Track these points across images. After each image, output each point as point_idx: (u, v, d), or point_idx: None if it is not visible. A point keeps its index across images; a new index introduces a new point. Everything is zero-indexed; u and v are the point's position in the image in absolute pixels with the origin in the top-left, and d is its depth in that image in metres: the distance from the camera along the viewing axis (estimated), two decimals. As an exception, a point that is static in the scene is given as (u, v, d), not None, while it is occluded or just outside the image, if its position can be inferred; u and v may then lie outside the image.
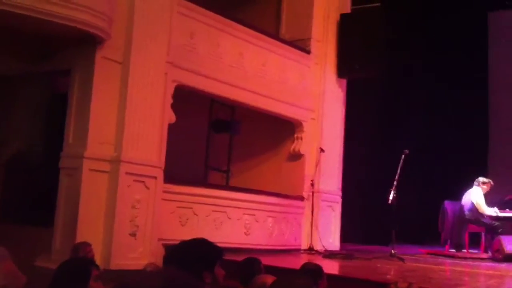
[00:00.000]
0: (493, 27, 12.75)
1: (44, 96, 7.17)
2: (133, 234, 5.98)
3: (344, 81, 9.12)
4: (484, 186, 8.75)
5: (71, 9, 5.37)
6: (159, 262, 5.00)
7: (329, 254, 7.55)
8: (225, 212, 7.22)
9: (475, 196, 8.65)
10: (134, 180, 6.01)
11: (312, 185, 8.38)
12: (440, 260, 7.95)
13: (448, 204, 8.99)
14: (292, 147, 8.58)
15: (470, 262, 7.68)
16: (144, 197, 6.10)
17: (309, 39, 8.67)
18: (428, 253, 8.63)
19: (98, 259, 4.68)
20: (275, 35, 8.43)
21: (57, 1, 5.28)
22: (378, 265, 6.55)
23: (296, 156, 8.57)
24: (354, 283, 5.05)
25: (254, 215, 7.63)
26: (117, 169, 5.89)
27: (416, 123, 10.67)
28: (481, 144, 12.24)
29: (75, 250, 4.61)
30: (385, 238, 7.88)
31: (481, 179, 8.81)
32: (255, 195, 7.74)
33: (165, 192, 6.38)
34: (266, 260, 4.49)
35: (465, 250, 8.71)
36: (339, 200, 8.92)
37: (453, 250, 8.87)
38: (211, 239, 2.81)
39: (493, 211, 8.57)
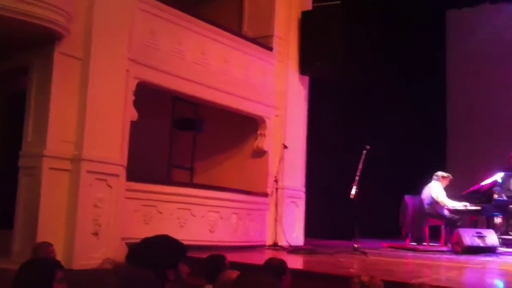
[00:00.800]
0: (451, 25, 13.07)
1: (2, 95, 6.99)
2: (96, 234, 5.89)
3: (306, 78, 9.19)
4: (443, 181, 8.97)
5: (27, 3, 5.25)
6: (122, 261, 4.94)
7: (293, 250, 7.61)
8: (189, 209, 7.19)
9: (435, 190, 8.87)
10: (96, 179, 5.92)
11: (276, 181, 8.43)
12: (401, 253, 8.11)
13: (408, 199, 9.18)
14: (256, 144, 8.60)
15: (431, 255, 7.86)
16: (107, 196, 6.01)
17: (271, 36, 8.70)
18: (390, 247, 8.79)
19: (59, 260, 4.59)
20: (237, 32, 8.43)
21: (12, -4, 5.15)
22: (342, 260, 6.64)
23: (260, 153, 8.60)
24: (318, 278, 5.10)
25: (219, 212, 7.63)
26: (78, 168, 5.79)
27: (377, 120, 10.84)
28: (440, 140, 12.55)
29: (36, 251, 4.50)
30: (348, 232, 7.99)
31: (440, 173, 9.03)
32: (219, 192, 7.73)
33: (128, 190, 6.31)
34: (231, 257, 4.49)
35: (425, 243, 8.90)
36: (303, 196, 8.99)
37: (414, 243, 9.07)
38: (175, 237, 2.80)
39: (453, 204, 8.79)
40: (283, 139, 8.67)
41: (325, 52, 8.65)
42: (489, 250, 8.01)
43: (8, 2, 5.15)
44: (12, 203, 5.77)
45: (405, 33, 11.52)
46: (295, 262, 6.26)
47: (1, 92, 6.99)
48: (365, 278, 3.17)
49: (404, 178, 10.40)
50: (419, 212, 9.01)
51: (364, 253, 7.16)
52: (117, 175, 6.14)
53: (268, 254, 7.08)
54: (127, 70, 6.34)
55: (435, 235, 9.09)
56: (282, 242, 8.20)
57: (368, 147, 7.71)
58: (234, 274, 3.06)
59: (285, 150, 8.56)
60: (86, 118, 5.87)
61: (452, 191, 9.32)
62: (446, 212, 8.81)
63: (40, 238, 5.27)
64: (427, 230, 8.92)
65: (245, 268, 4.39)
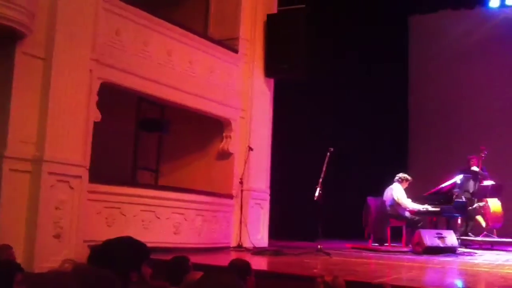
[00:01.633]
0: (413, 30, 13.35)
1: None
2: (57, 236, 5.80)
3: (272, 81, 9.25)
4: (403, 183, 9.16)
5: (-13, 2, 5.14)
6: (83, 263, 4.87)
7: (258, 251, 7.64)
8: (153, 211, 7.14)
9: (396, 192, 9.05)
10: (58, 180, 5.82)
11: (241, 183, 8.45)
12: (364, 253, 8.24)
13: (371, 200, 9.34)
14: (221, 146, 8.61)
15: (392, 255, 8.01)
16: (69, 198, 5.92)
17: (237, 38, 8.73)
18: (353, 248, 8.92)
19: (20, 263, 4.50)
20: (203, 34, 8.43)
21: (-28, -6, 5.03)
22: (306, 260, 6.70)
23: (225, 155, 8.61)
24: (282, 278, 5.14)
25: (183, 214, 7.60)
26: (39, 169, 5.68)
27: (340, 123, 10.99)
28: (401, 143, 12.80)
29: (-5, 254, 4.40)
30: (312, 234, 8.08)
31: (401, 175, 9.22)
32: (184, 194, 7.71)
33: (90, 192, 6.22)
34: (195, 259, 4.49)
35: (387, 244, 9.06)
36: (268, 197, 9.03)
37: (376, 244, 9.23)
38: (139, 239, 2.78)
39: (413, 206, 8.98)
40: (249, 141, 8.70)
41: (290, 55, 8.73)
42: (449, 251, 8.21)
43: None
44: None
45: (368, 36, 11.70)
46: (259, 263, 6.29)
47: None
48: (328, 278, 3.22)
49: (367, 180, 10.57)
50: (381, 214, 9.17)
51: (328, 254, 7.24)
52: (79, 177, 6.05)
53: (233, 256, 7.09)
54: (91, 70, 6.26)
55: (396, 236, 9.26)
56: (247, 244, 8.22)
57: (331, 149, 7.81)
58: (198, 275, 3.06)
59: (250, 152, 8.59)
60: (48, 119, 5.77)
61: (414, 193, 9.52)
62: (407, 213, 8.99)
63: (0, 241, 5.16)
64: (389, 231, 9.08)
65: (209, 270, 4.39)
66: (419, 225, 8.83)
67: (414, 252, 8.16)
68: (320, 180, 7.65)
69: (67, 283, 1.51)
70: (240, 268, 3.70)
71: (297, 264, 6.36)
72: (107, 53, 6.52)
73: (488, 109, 12.07)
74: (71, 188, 5.96)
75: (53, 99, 5.81)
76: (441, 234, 8.38)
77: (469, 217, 10.18)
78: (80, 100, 6.12)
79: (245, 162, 8.55)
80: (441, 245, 8.21)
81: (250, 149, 8.59)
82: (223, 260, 5.67)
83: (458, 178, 9.39)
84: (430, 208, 8.94)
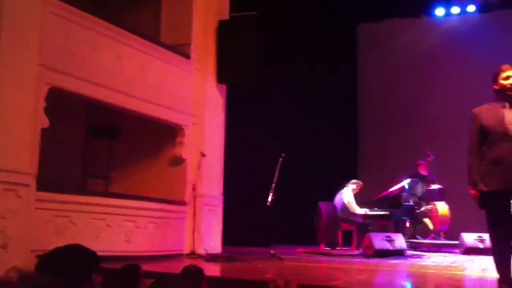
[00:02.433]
0: (362, 38, 13.64)
1: None
2: (4, 246, 5.61)
3: (224, 87, 9.26)
4: (354, 187, 9.36)
5: None
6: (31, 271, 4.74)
7: (211, 257, 7.61)
8: (104, 219, 7.00)
9: (346, 196, 9.23)
10: (4, 189, 5.63)
11: (194, 189, 8.41)
12: (316, 258, 8.34)
13: (322, 205, 9.48)
14: (174, 152, 8.54)
15: (344, 259, 8.14)
16: (16, 207, 5.74)
17: (189, 44, 8.70)
18: (305, 252, 9.02)
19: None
20: (155, 40, 8.35)
21: None
22: (259, 266, 6.73)
23: (178, 161, 8.55)
24: (235, 284, 5.14)
25: (135, 221, 7.48)
26: (-16, 178, 5.50)
27: (292, 129, 11.11)
28: (352, 149, 13.04)
29: None
30: (265, 239, 8.12)
31: (353, 180, 9.42)
32: (135, 201, 7.60)
33: (38, 200, 6.06)
34: (147, 267, 4.44)
35: (338, 248, 9.22)
36: (221, 203, 9.02)
37: (328, 248, 9.37)
38: (90, 248, 2.74)
39: (363, 211, 9.17)
40: (201, 147, 8.67)
41: (242, 61, 8.78)
42: (398, 253, 8.42)
43: None
44: None
45: (319, 44, 11.89)
46: (212, 270, 6.28)
47: None
48: (280, 283, 3.26)
49: (319, 185, 10.71)
50: (333, 218, 9.33)
51: (281, 259, 7.30)
52: (26, 185, 5.88)
53: (186, 263, 7.02)
54: (38, 75, 6.10)
55: (348, 240, 9.42)
56: (200, 250, 8.18)
57: (284, 155, 7.89)
58: (150, 283, 3.04)
59: (203, 158, 8.57)
60: (-7, 125, 5.59)
61: (363, 197, 9.72)
62: (357, 218, 9.17)
63: None
64: (340, 235, 9.24)
65: (162, 277, 4.36)
66: (369, 228, 9.03)
67: (365, 255, 8.32)
68: (273, 185, 7.71)
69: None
70: (193, 274, 3.69)
71: (250, 270, 6.38)
72: (55, 58, 6.38)
73: (435, 116, 12.44)
74: (19, 197, 5.78)
75: (-2, 105, 5.64)
76: (390, 237, 8.58)
77: (417, 220, 10.48)
78: (26, 105, 5.95)
79: (198, 168, 8.52)
80: (391, 248, 8.40)
81: (203, 155, 8.56)
82: (175, 268, 5.63)
83: (406, 182, 9.66)
84: (379, 211, 9.14)
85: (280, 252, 7.70)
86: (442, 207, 10.39)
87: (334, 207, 9.35)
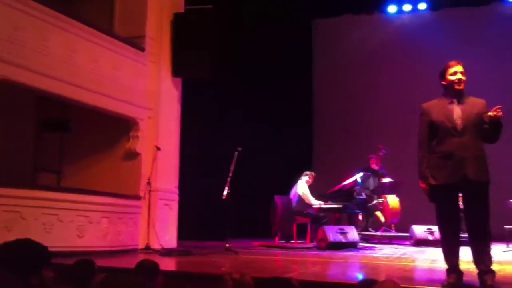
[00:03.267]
0: (317, 33, 13.79)
1: None
2: (-50, 243, 5.43)
3: (179, 80, 9.20)
4: (307, 178, 9.48)
5: None
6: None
7: (166, 252, 7.58)
8: (56, 214, 6.86)
9: (300, 188, 9.35)
10: (-50, 184, 5.46)
11: (149, 183, 8.34)
12: (271, 251, 8.41)
13: (278, 199, 9.57)
14: (128, 146, 8.44)
15: (298, 252, 8.25)
16: (-38, 202, 5.57)
17: (143, 36, 8.59)
18: (261, 245, 9.08)
19: None
20: (108, 31, 8.21)
21: None
22: (214, 259, 6.74)
23: (132, 155, 8.45)
24: (191, 278, 5.14)
25: (88, 216, 7.36)
26: None
27: (248, 123, 11.13)
28: (306, 143, 13.20)
29: None
30: (221, 233, 8.14)
31: (306, 172, 9.54)
32: (88, 196, 7.47)
33: (-13, 196, 5.89)
34: (101, 262, 4.39)
35: (293, 241, 9.32)
36: (176, 198, 8.98)
37: (283, 241, 9.47)
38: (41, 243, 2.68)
39: (317, 203, 9.31)
40: (156, 141, 8.60)
41: (197, 55, 8.74)
42: (351, 245, 8.60)
43: None
44: None
45: (274, 38, 11.95)
46: (168, 264, 6.25)
47: None
48: (236, 276, 3.27)
49: (274, 179, 10.80)
50: (288, 211, 9.42)
51: (236, 252, 7.33)
52: (-26, 180, 5.71)
53: (140, 258, 6.98)
54: (-13, 67, 5.92)
55: (303, 233, 9.55)
56: (155, 245, 8.12)
57: (239, 148, 7.92)
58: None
59: (158, 152, 8.50)
60: None
61: (318, 190, 9.86)
62: (311, 210, 9.30)
63: None
64: (294, 228, 9.35)
65: (116, 272, 4.31)
66: (323, 221, 9.17)
67: (319, 248, 8.45)
68: (229, 179, 7.73)
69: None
70: (148, 269, 3.67)
71: (205, 264, 6.39)
72: (4, 49, 6.19)
73: (387, 111, 12.73)
74: (-35, 192, 5.61)
75: None
76: (344, 230, 8.75)
77: (369, 213, 10.72)
78: (-26, 98, 5.77)
79: (153, 162, 8.44)
80: (344, 240, 8.57)
81: (158, 149, 8.49)
82: (130, 262, 5.57)
83: (358, 176, 9.85)
84: (332, 204, 9.30)
85: (236, 246, 7.73)
86: (393, 200, 10.66)
87: (289, 200, 9.46)
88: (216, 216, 8.64)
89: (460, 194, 4.67)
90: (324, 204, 9.29)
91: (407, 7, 13.01)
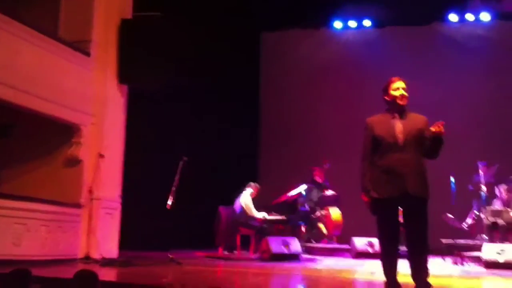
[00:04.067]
0: (265, 46, 13.93)
1: None
2: None
3: (125, 87, 9.06)
4: (252, 190, 9.52)
5: None
6: None
7: (106, 262, 7.42)
8: (-9, 222, 6.61)
9: (243, 199, 9.38)
10: None
11: (91, 191, 8.15)
12: (214, 262, 8.39)
13: (222, 209, 9.56)
14: (70, 153, 8.22)
15: (241, 263, 8.26)
16: None
17: (89, 41, 8.42)
18: (204, 256, 9.03)
19: None
20: (52, 35, 8.00)
21: None
22: (156, 270, 6.66)
23: (74, 162, 8.24)
24: (131, 289, 5.07)
25: (26, 224, 7.11)
26: None
27: (194, 132, 11.08)
28: (253, 155, 13.26)
29: None
30: (164, 243, 8.04)
31: (250, 183, 9.58)
32: (27, 203, 7.22)
33: None
34: (38, 271, 4.26)
35: (236, 252, 9.32)
36: (119, 207, 8.80)
37: (226, 252, 9.45)
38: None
39: (261, 215, 9.36)
40: (99, 148, 8.43)
41: (144, 62, 8.62)
42: (293, 257, 8.69)
43: None
44: None
45: (223, 50, 11.97)
46: (107, 274, 6.13)
47: None
48: (177, 287, 3.26)
49: (219, 189, 10.77)
50: (232, 222, 9.43)
51: (179, 263, 7.26)
52: None
53: (79, 267, 6.80)
54: None
55: (246, 244, 9.57)
56: (95, 255, 7.94)
57: (185, 158, 7.88)
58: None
59: (101, 159, 8.33)
60: None
61: (263, 202, 9.92)
62: (255, 222, 9.34)
63: None
64: (238, 239, 9.36)
65: (52, 282, 4.19)
66: (267, 233, 9.22)
67: (262, 259, 8.49)
68: (173, 189, 7.66)
69: None
70: (86, 279, 3.59)
71: (147, 274, 6.30)
72: None
73: (332, 124, 12.95)
74: None
75: None
76: (287, 241, 8.83)
77: (312, 225, 10.87)
78: None
79: (96, 170, 8.26)
80: (286, 252, 8.64)
81: (101, 156, 8.32)
82: (67, 272, 5.43)
83: (302, 188, 9.98)
84: (276, 216, 9.37)
85: (179, 256, 7.66)
86: (335, 213, 10.85)
87: (234, 211, 9.46)
88: (160, 226, 8.53)
89: (400, 208, 4.81)
90: (268, 216, 9.35)
91: (352, 24, 13.33)
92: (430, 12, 12.41)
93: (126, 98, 9.07)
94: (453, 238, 9.18)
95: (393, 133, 4.71)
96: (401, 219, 4.85)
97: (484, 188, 10.14)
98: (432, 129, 4.57)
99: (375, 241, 9.43)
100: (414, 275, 4.71)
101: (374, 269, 7.37)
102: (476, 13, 12.41)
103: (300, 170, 11.62)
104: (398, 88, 4.84)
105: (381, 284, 4.93)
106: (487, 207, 9.46)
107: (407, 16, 12.31)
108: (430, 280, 4.69)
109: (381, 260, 4.87)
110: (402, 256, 4.72)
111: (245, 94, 12.87)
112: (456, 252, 9.05)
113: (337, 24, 13.41)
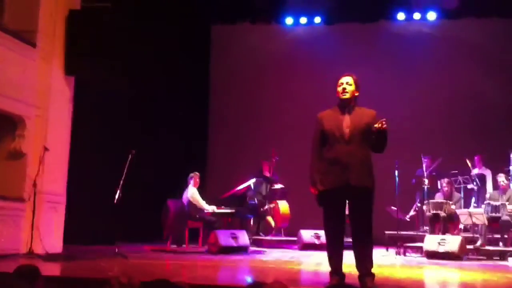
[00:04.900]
0: (215, 39, 13.90)
1: None
2: None
3: (72, 79, 8.86)
4: (192, 181, 9.50)
5: None
6: None
7: (50, 257, 7.27)
8: None
9: (189, 191, 9.37)
10: None
11: (35, 185, 7.94)
12: (162, 255, 8.35)
13: (170, 202, 9.51)
14: (13, 146, 7.99)
15: (189, 256, 8.27)
16: None
17: (35, 31, 8.19)
18: (152, 250, 8.97)
19: None
20: (-4, 24, 7.75)
21: None
22: (101, 264, 6.57)
23: (17, 155, 8.01)
24: (75, 283, 4.98)
25: (-35, 218, 6.89)
26: None
27: (142, 125, 10.96)
28: (201, 148, 13.24)
29: None
30: (111, 237, 7.94)
31: (189, 175, 9.55)
32: (-34, 197, 6.99)
33: None
34: (-24, 266, 4.13)
35: (185, 245, 9.31)
36: (64, 201, 8.63)
37: (175, 246, 9.42)
38: None
39: (210, 208, 9.36)
40: (44, 141, 8.22)
41: (92, 54, 8.46)
42: (242, 250, 8.76)
43: None
44: None
45: (173, 41, 11.87)
46: (51, 269, 6.02)
47: None
48: (123, 280, 3.23)
49: (167, 182, 10.71)
50: (180, 215, 9.40)
51: (125, 257, 7.20)
52: None
53: (21, 262, 6.63)
54: None
55: (195, 237, 9.56)
56: (39, 250, 7.75)
57: (133, 151, 7.79)
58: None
59: (46, 152, 8.13)
60: None
61: (211, 195, 9.94)
62: (204, 215, 9.35)
63: None
64: (187, 232, 9.34)
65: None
66: (215, 226, 9.25)
67: (210, 252, 8.52)
68: (121, 182, 7.57)
69: None
70: (27, 273, 3.52)
71: (92, 268, 6.21)
72: None
73: (280, 119, 13.08)
74: None
75: None
76: (235, 234, 8.89)
77: (260, 218, 10.98)
78: None
79: (40, 163, 8.06)
80: (235, 244, 8.70)
81: (46, 149, 8.12)
82: (8, 267, 5.29)
83: (251, 182, 10.06)
84: (225, 209, 9.41)
85: (126, 250, 7.59)
86: (283, 206, 10.99)
87: (183, 204, 9.44)
88: (107, 220, 8.42)
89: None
90: (217, 209, 9.38)
91: (303, 20, 13.46)
92: (378, 10, 12.70)
93: (72, 90, 8.88)
94: (396, 230, 9.45)
95: (340, 127, 4.84)
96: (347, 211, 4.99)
97: (426, 181, 10.50)
98: (376, 125, 4.72)
99: (322, 233, 9.62)
100: (358, 265, 4.85)
101: (320, 260, 7.53)
102: (423, 12, 12.77)
103: (249, 164, 11.69)
104: (342, 83, 4.98)
105: (326, 274, 5.05)
106: (429, 200, 9.79)
107: (356, 14, 12.56)
108: (374, 270, 4.84)
109: (327, 250, 4.99)
110: (349, 247, 4.84)
111: (195, 88, 12.83)
112: (399, 243, 9.34)
113: (288, 20, 13.51)
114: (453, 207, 9.44)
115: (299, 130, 12.57)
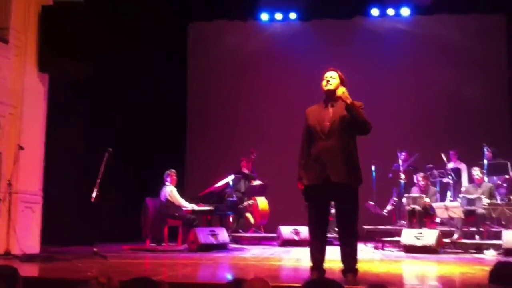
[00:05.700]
0: (192, 37, 13.83)
1: None
2: None
3: (46, 76, 8.71)
4: (169, 179, 9.44)
5: None
6: None
7: (28, 258, 7.15)
8: None
9: (167, 190, 9.31)
10: None
11: (10, 185, 7.80)
12: (141, 254, 8.27)
13: (149, 201, 9.44)
14: (-14, 145, 7.84)
15: (169, 254, 8.21)
16: None
17: (7, 28, 8.03)
18: (131, 249, 8.89)
19: None
20: (-33, 20, 7.58)
21: None
22: (80, 265, 6.48)
23: (-9, 155, 7.87)
24: (53, 284, 4.91)
25: None
26: None
27: (120, 124, 10.84)
28: (180, 146, 13.17)
29: None
30: (89, 237, 7.84)
31: (166, 172, 9.48)
32: None
33: None
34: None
35: (164, 244, 9.25)
36: (40, 200, 8.49)
37: (154, 245, 9.36)
38: None
39: (190, 206, 9.32)
40: (19, 140, 8.08)
41: (66, 51, 8.31)
42: (221, 247, 8.75)
43: None
44: None
45: (149, 38, 11.77)
46: (29, 270, 5.92)
47: None
48: (102, 280, 3.20)
49: (146, 181, 10.63)
50: (159, 214, 9.34)
51: (104, 257, 7.12)
52: None
53: (-2, 264, 6.53)
54: None
55: (174, 235, 9.51)
56: (16, 251, 7.62)
57: (110, 149, 7.71)
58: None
59: (21, 151, 7.99)
60: None
61: (190, 193, 9.89)
62: (183, 213, 9.31)
63: None
64: (166, 230, 9.28)
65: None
66: (195, 223, 9.21)
67: (190, 250, 8.48)
68: (98, 181, 7.49)
69: None
70: (5, 275, 3.45)
71: (70, 269, 6.12)
72: None
73: (260, 116, 13.08)
74: None
75: None
76: (214, 231, 8.87)
77: (239, 215, 10.97)
78: None
79: (15, 163, 7.92)
80: (214, 242, 8.69)
81: (21, 148, 7.98)
82: (-14, 269, 5.20)
83: (230, 179, 10.04)
84: (204, 206, 9.37)
85: (104, 250, 7.50)
86: (262, 202, 11.01)
87: (161, 202, 9.38)
88: (84, 220, 8.32)
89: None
90: (197, 207, 9.34)
91: (278, 16, 13.47)
92: (353, 6, 12.79)
93: (47, 87, 8.73)
94: (374, 225, 9.55)
95: (322, 122, 4.88)
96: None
97: (403, 176, 10.62)
98: (337, 93, 4.81)
99: (301, 229, 9.68)
100: (343, 260, 4.89)
101: (299, 256, 7.55)
102: (397, 8, 12.90)
103: (227, 160, 11.67)
104: (326, 77, 5.05)
105: (306, 269, 5.06)
106: (406, 194, 9.90)
107: (331, 10, 12.62)
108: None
109: (310, 245, 5.02)
110: (331, 243, 4.87)
111: (172, 85, 12.74)
112: (377, 238, 9.44)
113: (264, 16, 13.51)
114: (428, 200, 9.56)
115: (277, 126, 12.65)
